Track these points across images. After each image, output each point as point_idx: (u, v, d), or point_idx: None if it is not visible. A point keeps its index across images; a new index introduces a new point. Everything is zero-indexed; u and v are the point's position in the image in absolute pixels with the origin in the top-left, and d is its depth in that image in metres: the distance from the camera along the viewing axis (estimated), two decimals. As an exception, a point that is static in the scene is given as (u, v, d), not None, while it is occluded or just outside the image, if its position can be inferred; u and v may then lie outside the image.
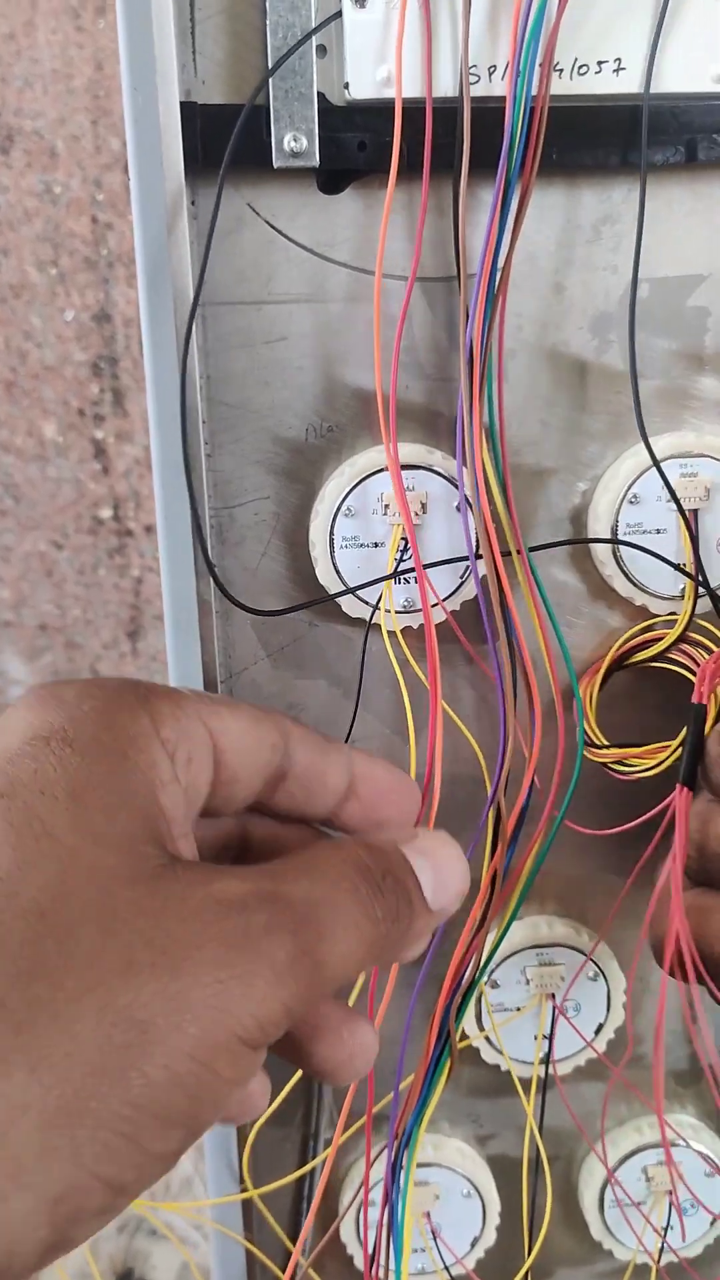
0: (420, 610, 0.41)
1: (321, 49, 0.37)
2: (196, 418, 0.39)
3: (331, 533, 0.40)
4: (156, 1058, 0.22)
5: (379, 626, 0.41)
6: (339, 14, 0.36)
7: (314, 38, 0.36)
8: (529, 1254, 0.45)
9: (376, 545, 0.40)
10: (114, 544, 0.78)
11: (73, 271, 0.68)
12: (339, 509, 0.40)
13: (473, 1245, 0.47)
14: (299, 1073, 0.45)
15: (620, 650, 0.42)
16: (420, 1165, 0.46)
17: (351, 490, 0.40)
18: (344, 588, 0.40)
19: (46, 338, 0.71)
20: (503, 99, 0.35)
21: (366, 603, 0.41)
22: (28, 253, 0.68)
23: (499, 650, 0.39)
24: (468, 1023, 0.45)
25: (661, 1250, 0.47)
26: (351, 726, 0.42)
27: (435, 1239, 0.46)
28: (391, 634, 0.41)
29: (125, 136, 0.39)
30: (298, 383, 0.40)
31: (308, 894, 0.25)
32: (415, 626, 0.41)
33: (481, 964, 0.41)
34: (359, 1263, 0.46)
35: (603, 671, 0.42)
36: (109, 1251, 0.83)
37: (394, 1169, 0.39)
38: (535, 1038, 0.45)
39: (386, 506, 0.40)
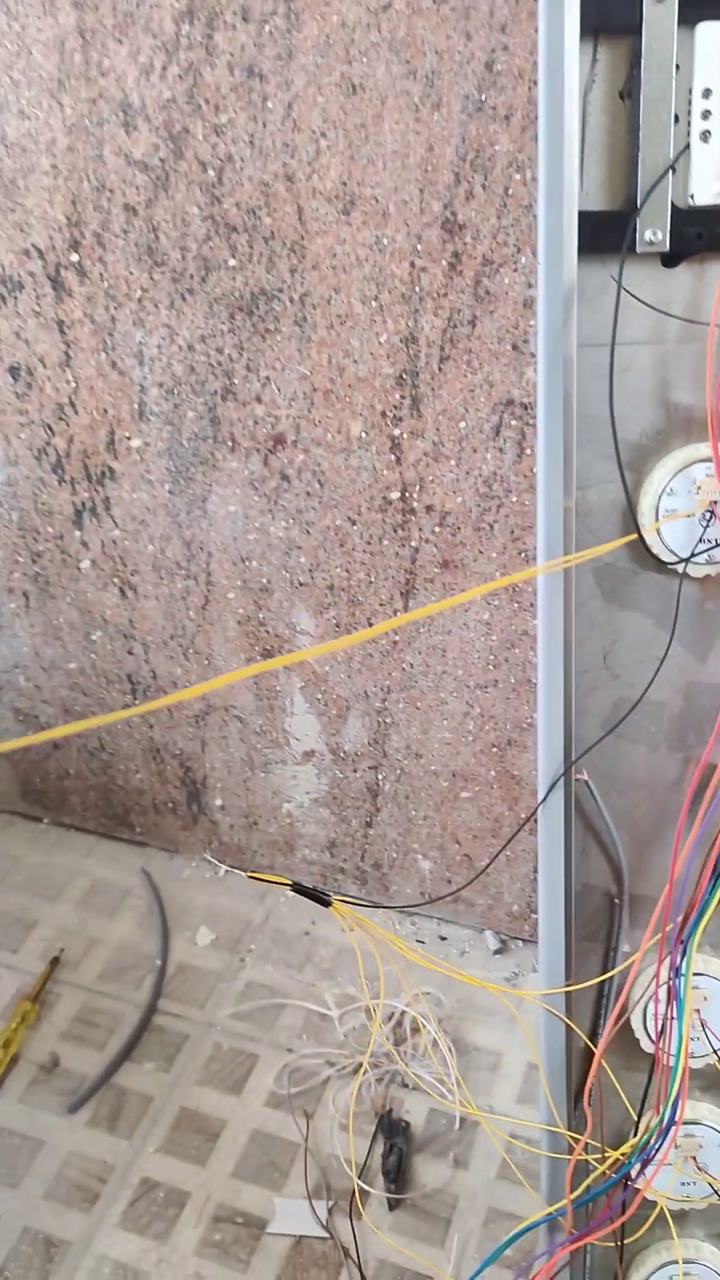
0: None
1: (673, 169, 0.53)
2: (572, 425, 0.56)
3: (658, 507, 0.56)
4: None
5: (689, 575, 0.57)
6: (688, 147, 0.53)
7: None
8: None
9: (689, 516, 0.57)
10: (398, 520, 0.96)
11: (390, 304, 0.86)
12: (664, 490, 0.56)
13: (732, 1038, 0.63)
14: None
15: None
16: (695, 974, 0.62)
17: (674, 477, 0.56)
18: (666, 549, 0.57)
19: (363, 355, 0.89)
20: None
21: (681, 558, 0.57)
22: (355, 290, 0.86)
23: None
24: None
25: None
26: (666, 653, 0.59)
27: (704, 1029, 0.62)
28: (699, 580, 0.57)
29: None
30: (636, 400, 0.56)
31: None
32: (713, 575, 0.57)
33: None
34: (645, 1045, 0.63)
35: None
36: (370, 1097, 1.02)
37: (684, 947, 0.56)
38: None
39: (699, 488, 0.56)
